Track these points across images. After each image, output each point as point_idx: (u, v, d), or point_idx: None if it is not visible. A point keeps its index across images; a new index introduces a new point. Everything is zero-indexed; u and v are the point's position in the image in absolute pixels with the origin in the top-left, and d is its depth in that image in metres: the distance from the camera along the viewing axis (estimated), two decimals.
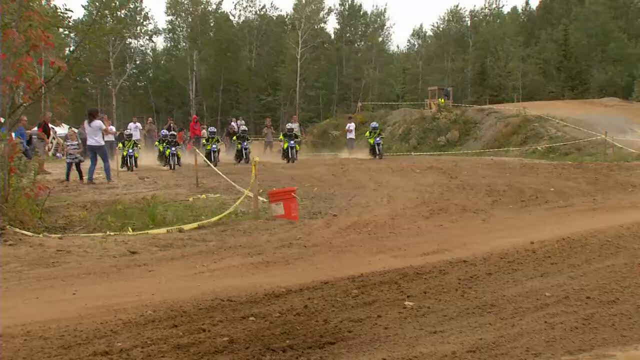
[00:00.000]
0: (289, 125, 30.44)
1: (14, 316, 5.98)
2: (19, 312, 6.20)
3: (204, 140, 29.88)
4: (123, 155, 26.18)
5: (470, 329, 5.33)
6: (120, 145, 26.42)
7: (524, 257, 7.77)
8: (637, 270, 6.74)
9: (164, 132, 30.31)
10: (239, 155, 28.18)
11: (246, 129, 30.94)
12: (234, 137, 29.39)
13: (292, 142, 28.56)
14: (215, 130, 30.15)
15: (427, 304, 6.13)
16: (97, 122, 18.58)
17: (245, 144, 28.45)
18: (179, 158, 26.43)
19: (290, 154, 28.44)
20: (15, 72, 10.54)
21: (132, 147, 26.55)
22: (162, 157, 28.01)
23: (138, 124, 35.74)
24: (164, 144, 27.84)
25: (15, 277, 7.70)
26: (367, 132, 30.86)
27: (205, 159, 25.40)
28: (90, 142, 18.69)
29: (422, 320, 5.69)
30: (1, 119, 10.85)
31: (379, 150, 29.78)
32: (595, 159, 24.55)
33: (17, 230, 9.41)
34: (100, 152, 18.60)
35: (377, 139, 29.96)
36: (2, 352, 5.03)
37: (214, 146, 28.14)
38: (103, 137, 18.85)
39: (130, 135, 27.44)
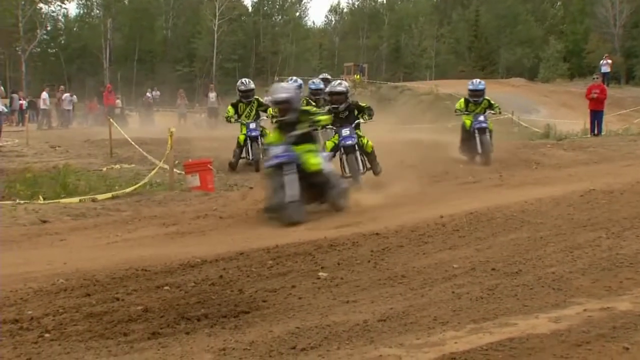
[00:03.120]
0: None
1: None
2: None
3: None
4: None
5: (381, 299, 5.48)
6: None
7: (433, 230, 7.98)
8: (539, 244, 7.03)
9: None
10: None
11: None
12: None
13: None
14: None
15: (340, 275, 6.25)
16: None
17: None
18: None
19: None
20: None
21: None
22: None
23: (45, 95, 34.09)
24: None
25: None
26: (461, 100, 17.07)
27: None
28: None
29: (335, 290, 5.81)
30: None
31: (482, 143, 15.95)
32: (502, 137, 25.26)
33: None
34: None
35: (481, 117, 16.21)
36: None
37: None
38: None
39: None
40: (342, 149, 12.60)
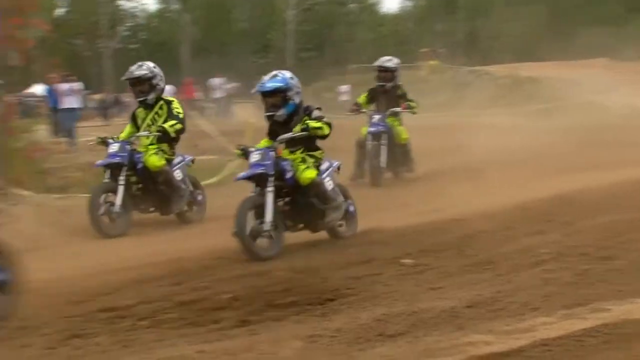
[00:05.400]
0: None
1: None
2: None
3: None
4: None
5: (468, 285, 5.43)
6: None
7: (519, 215, 7.88)
8: (632, 227, 6.83)
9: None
10: None
11: None
12: None
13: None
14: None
15: (424, 262, 6.23)
16: None
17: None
18: None
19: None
20: (4, 34, 10.56)
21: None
22: None
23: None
24: None
25: (18, 235, 7.78)
26: None
27: None
28: None
29: (420, 277, 5.80)
30: None
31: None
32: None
33: (19, 191, 9.50)
34: None
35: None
36: None
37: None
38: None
39: None
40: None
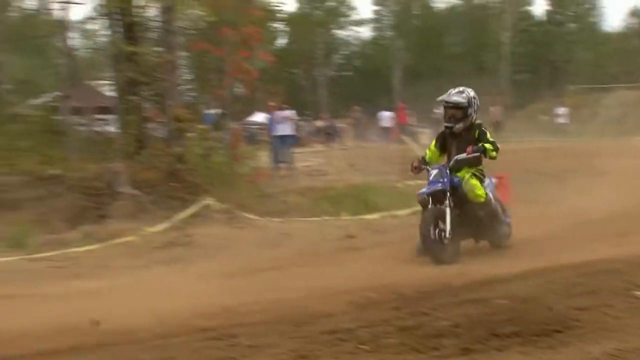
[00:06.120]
0: None
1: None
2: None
3: None
4: None
5: None
6: None
7: None
8: None
9: None
10: None
11: None
12: None
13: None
14: None
15: None
16: None
17: None
18: None
19: None
20: (233, 66, 11.33)
21: None
22: None
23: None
24: None
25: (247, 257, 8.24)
26: None
27: None
28: None
29: None
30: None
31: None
32: None
33: (244, 214, 10.09)
34: None
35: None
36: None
37: None
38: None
39: None
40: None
